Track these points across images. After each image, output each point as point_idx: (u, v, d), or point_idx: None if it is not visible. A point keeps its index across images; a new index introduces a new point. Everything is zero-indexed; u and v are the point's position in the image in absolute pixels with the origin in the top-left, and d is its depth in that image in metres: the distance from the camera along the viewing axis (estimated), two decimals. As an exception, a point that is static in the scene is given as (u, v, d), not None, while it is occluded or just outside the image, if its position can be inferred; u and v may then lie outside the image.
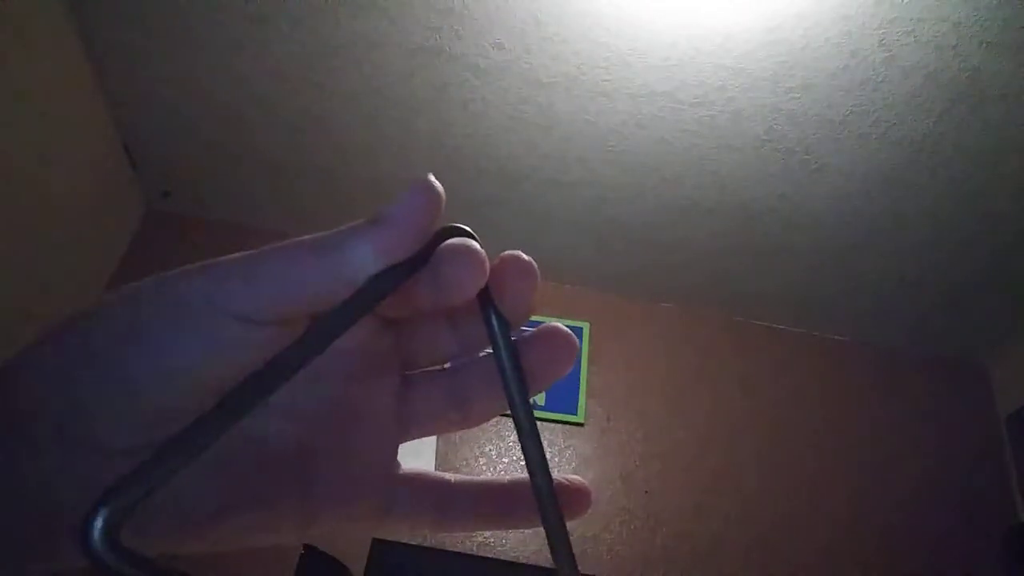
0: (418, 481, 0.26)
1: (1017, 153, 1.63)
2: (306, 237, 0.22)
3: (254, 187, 2.15)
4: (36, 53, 1.64)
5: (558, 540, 0.22)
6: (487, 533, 1.91)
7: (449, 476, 0.26)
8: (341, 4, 1.54)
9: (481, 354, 0.26)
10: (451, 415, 0.26)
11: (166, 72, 1.79)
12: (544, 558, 1.89)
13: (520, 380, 0.22)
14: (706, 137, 1.73)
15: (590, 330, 2.20)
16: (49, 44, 1.68)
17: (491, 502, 0.26)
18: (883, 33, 1.43)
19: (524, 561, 1.88)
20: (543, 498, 0.22)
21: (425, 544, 1.86)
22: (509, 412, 0.23)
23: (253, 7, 1.57)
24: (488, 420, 0.26)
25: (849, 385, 2.25)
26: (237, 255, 0.22)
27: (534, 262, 0.23)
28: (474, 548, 1.88)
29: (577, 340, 0.24)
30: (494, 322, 0.23)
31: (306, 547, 1.70)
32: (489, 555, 1.88)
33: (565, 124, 1.76)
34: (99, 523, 0.17)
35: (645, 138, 1.76)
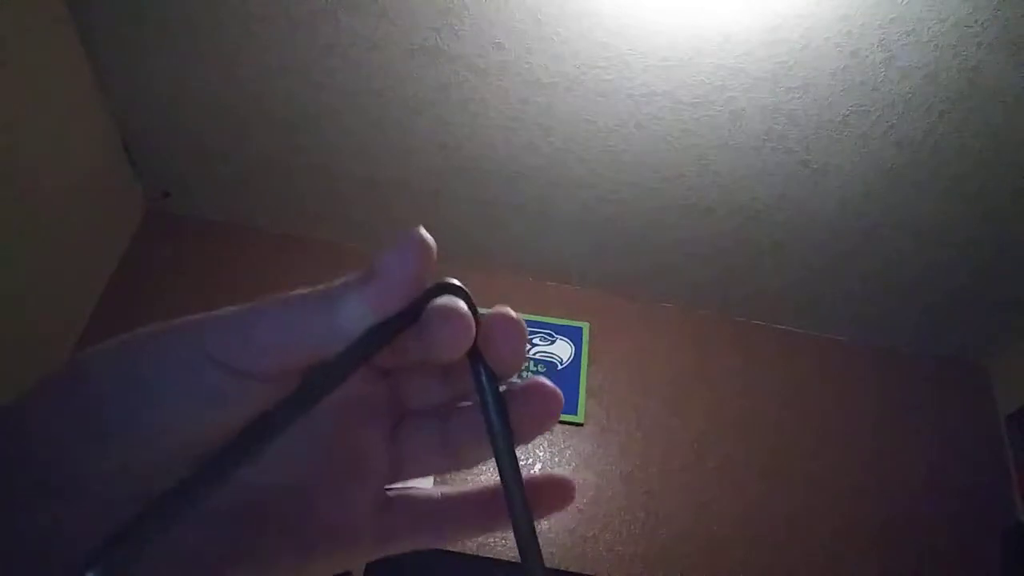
0: (409, 507, 0.26)
1: (1017, 153, 1.63)
2: (300, 292, 0.22)
3: (254, 187, 2.15)
4: (36, 53, 1.64)
5: None
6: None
7: (435, 492, 0.27)
8: (341, 4, 1.54)
9: (471, 402, 0.26)
10: (442, 460, 0.27)
11: (166, 72, 1.79)
12: (544, 557, 1.88)
13: (507, 434, 0.23)
14: (706, 137, 1.73)
15: (590, 330, 2.20)
16: (49, 44, 1.68)
17: (480, 510, 0.26)
18: (883, 33, 1.43)
19: (524, 561, 1.88)
20: (525, 548, 0.23)
21: (425, 544, 1.86)
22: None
23: (253, 7, 1.57)
24: (476, 465, 0.27)
25: (849, 385, 2.25)
26: (231, 309, 0.22)
27: (523, 320, 0.23)
28: (474, 548, 1.88)
29: (562, 397, 0.25)
30: (483, 378, 0.23)
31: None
32: (489, 555, 1.88)
33: (565, 124, 1.76)
34: None
35: (645, 138, 1.76)
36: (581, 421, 2.08)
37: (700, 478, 2.06)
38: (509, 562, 1.87)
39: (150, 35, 1.69)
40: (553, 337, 2.17)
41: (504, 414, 0.23)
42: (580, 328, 2.19)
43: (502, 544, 1.90)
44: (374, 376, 0.26)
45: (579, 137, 1.78)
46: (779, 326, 2.32)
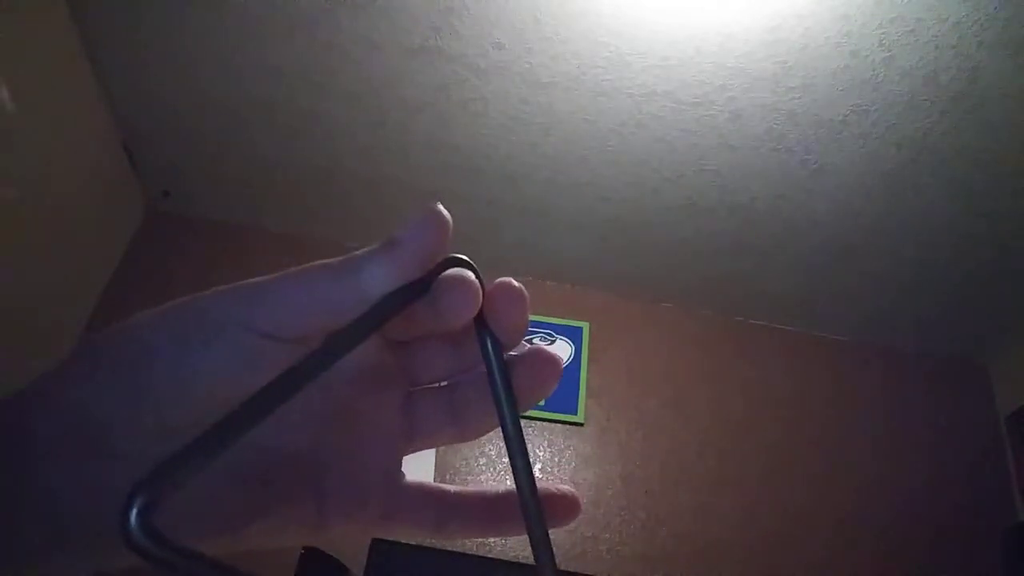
0: (421, 491, 0.28)
1: (1017, 153, 1.63)
2: (325, 261, 0.24)
3: (254, 187, 2.15)
4: (36, 53, 1.64)
5: (543, 551, 0.24)
6: (487, 533, 1.91)
7: (449, 487, 0.28)
8: (341, 4, 1.54)
9: (477, 372, 0.27)
10: (449, 429, 0.28)
11: (166, 72, 1.79)
12: (544, 558, 1.88)
13: (510, 398, 0.24)
14: (706, 137, 1.73)
15: (590, 330, 2.20)
16: (49, 44, 1.68)
17: (485, 512, 0.28)
18: (883, 33, 1.43)
19: (524, 561, 1.88)
20: (529, 509, 0.24)
21: (425, 544, 1.86)
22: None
23: (253, 7, 1.57)
24: (484, 434, 0.28)
25: (849, 385, 2.25)
26: (262, 278, 0.24)
27: (525, 289, 0.25)
28: (474, 548, 1.88)
29: (561, 362, 0.26)
30: (488, 344, 0.25)
31: (306, 547, 1.70)
32: (489, 555, 1.88)
33: (565, 124, 1.76)
34: (135, 509, 0.18)
35: (645, 138, 1.76)
36: (581, 421, 2.08)
37: (700, 478, 2.06)
38: (509, 562, 1.87)
39: (150, 35, 1.69)
40: (553, 337, 2.17)
41: (507, 379, 0.24)
42: (580, 328, 2.19)
43: (502, 544, 1.90)
44: (387, 348, 0.27)
45: (579, 137, 1.78)
46: (779, 326, 2.32)
